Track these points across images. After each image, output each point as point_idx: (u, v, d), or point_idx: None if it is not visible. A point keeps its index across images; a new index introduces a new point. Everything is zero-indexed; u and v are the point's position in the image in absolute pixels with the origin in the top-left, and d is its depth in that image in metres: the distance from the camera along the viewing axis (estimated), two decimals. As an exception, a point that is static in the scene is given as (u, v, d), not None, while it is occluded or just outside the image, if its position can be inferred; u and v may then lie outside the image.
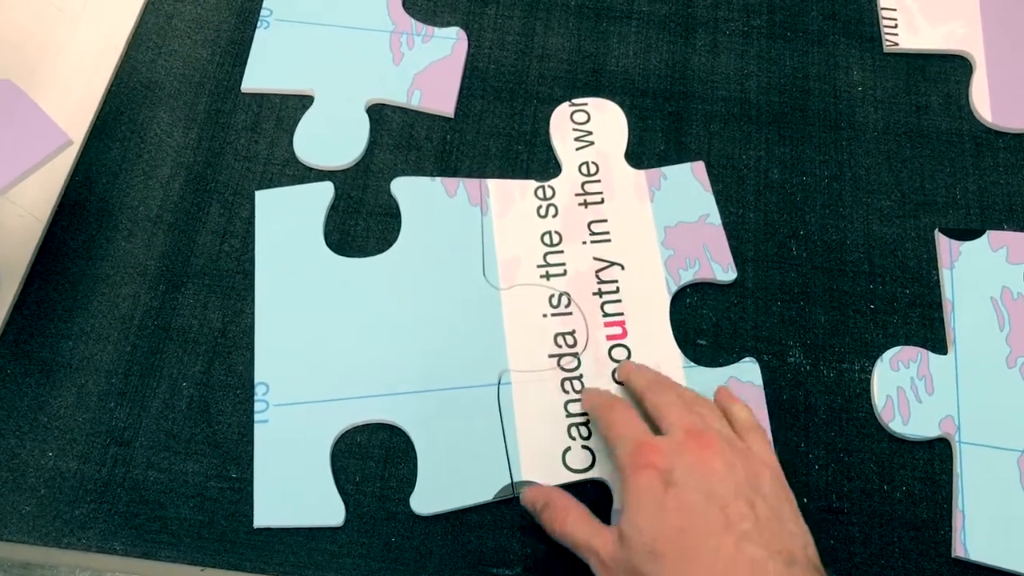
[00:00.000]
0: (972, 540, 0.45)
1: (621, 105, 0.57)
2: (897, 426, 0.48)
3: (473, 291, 0.51)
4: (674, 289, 0.51)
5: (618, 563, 0.39)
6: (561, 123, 0.56)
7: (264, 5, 0.60)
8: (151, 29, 0.59)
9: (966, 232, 0.53)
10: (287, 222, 0.53)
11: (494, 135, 0.56)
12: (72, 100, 0.56)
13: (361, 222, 0.54)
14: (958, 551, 0.45)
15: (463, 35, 0.59)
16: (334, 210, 0.54)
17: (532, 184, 0.54)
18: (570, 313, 0.51)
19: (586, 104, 0.57)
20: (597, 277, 0.52)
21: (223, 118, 0.56)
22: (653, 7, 0.61)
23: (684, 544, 0.37)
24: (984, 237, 0.53)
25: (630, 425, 0.43)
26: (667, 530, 0.38)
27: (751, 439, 0.42)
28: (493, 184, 0.54)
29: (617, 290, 0.51)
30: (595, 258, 0.52)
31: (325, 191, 0.54)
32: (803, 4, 0.61)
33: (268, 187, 0.54)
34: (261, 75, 0.58)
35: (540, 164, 0.55)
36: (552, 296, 0.51)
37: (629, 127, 0.56)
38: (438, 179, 0.54)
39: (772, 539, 0.37)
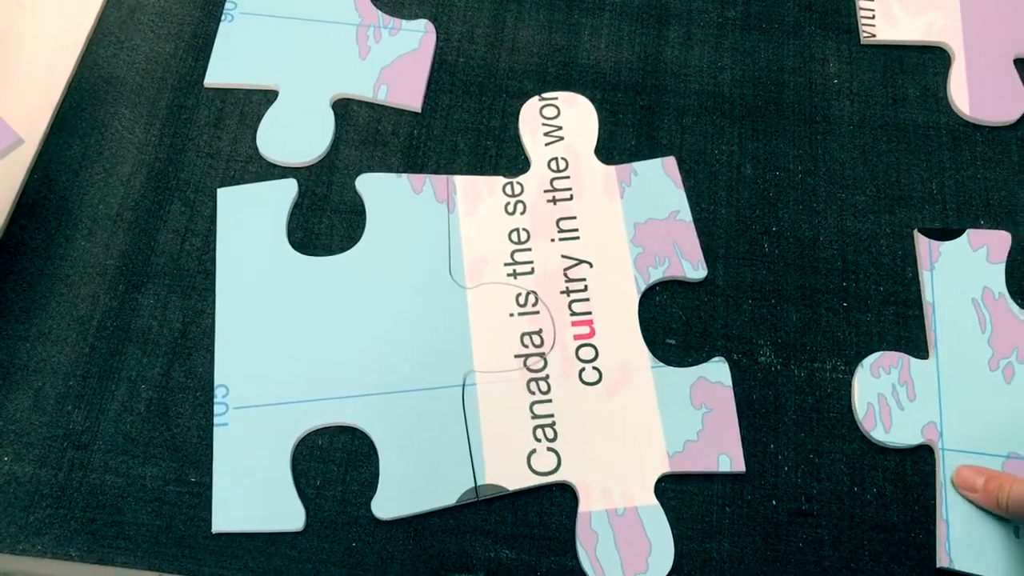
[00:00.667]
0: (957, 550, 0.44)
1: (592, 99, 0.56)
2: (879, 434, 0.47)
3: (439, 290, 0.50)
4: (643, 287, 0.50)
5: None
6: (530, 118, 0.55)
7: (229, -2, 0.58)
8: (113, 23, 0.58)
9: (945, 232, 0.52)
10: (250, 220, 0.52)
11: (462, 130, 0.55)
12: (31, 96, 0.55)
13: (325, 220, 0.53)
14: (943, 561, 0.44)
15: (431, 28, 0.58)
16: (298, 208, 0.53)
17: (500, 180, 0.53)
18: (537, 312, 0.50)
19: (556, 98, 0.56)
20: (565, 275, 0.51)
21: (185, 114, 0.55)
22: (626, -2, 0.59)
23: None
24: (964, 237, 0.52)
25: None
26: None
27: None
28: (460, 180, 0.53)
29: (585, 288, 0.50)
30: (563, 256, 0.51)
31: (289, 188, 0.53)
32: (779, -5, 0.60)
33: (231, 184, 0.53)
34: (225, 70, 0.56)
35: (509, 160, 0.54)
36: (519, 295, 0.50)
37: (600, 122, 0.55)
38: (404, 175, 0.53)
39: None
